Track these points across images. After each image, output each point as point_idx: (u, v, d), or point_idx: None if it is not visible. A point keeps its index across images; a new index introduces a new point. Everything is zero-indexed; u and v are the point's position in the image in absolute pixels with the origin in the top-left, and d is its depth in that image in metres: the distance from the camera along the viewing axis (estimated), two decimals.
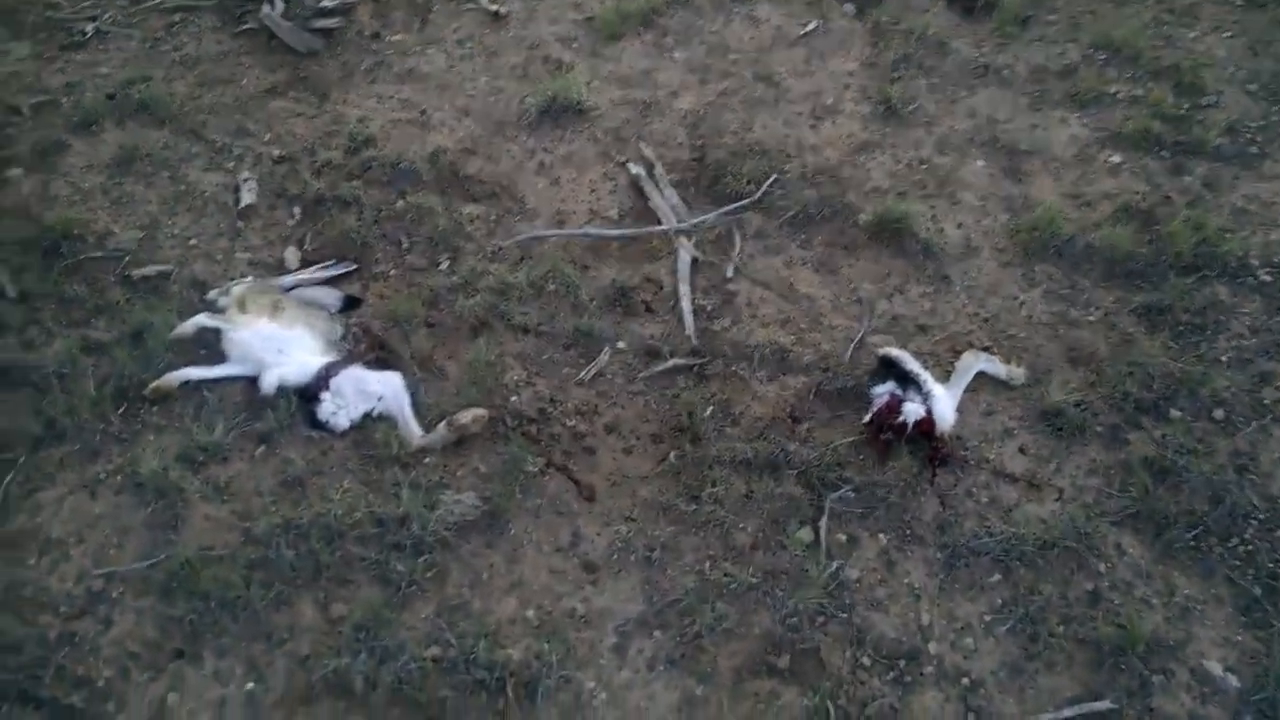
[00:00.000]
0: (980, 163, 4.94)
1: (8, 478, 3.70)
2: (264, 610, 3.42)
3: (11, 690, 3.19)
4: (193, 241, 4.56)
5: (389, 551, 3.56)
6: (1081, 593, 3.49)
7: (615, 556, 3.62)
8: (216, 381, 4.02)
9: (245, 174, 4.82)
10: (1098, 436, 3.91)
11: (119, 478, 3.74)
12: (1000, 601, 3.49)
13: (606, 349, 4.21)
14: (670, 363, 4.17)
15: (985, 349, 4.15)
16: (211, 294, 4.28)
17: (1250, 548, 3.57)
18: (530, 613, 3.48)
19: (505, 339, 4.24)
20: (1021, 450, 3.89)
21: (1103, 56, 5.41)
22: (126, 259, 4.42)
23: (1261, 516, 3.64)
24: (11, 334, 4.04)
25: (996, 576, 3.54)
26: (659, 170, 4.89)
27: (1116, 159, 4.91)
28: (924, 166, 4.93)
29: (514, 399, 4.03)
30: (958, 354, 4.12)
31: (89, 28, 5.52)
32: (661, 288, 4.45)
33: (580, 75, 5.33)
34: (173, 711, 3.21)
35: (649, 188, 4.81)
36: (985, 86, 5.30)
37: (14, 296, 4.19)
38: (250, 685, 3.28)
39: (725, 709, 3.25)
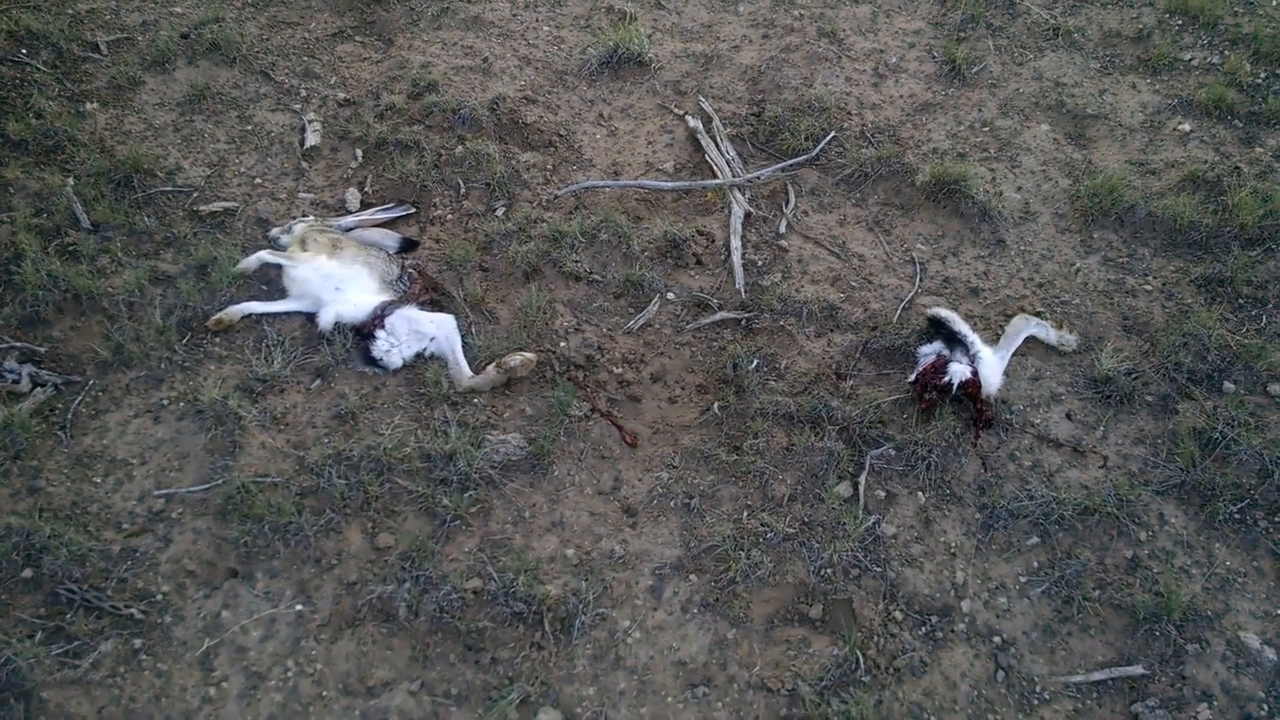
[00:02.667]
0: (1044, 127, 4.87)
1: (77, 399, 3.86)
2: (314, 536, 3.54)
3: (77, 599, 3.35)
4: (258, 180, 4.67)
5: (435, 486, 3.65)
6: (1120, 559, 3.49)
7: (655, 502, 3.68)
8: (276, 316, 4.14)
9: (311, 116, 4.92)
10: (1147, 405, 3.87)
11: (181, 404, 3.87)
12: (1036, 564, 3.49)
13: (656, 299, 4.25)
14: (718, 315, 4.20)
15: (1037, 313, 4.12)
16: (274, 231, 4.39)
17: None
18: (570, 551, 3.56)
19: (556, 286, 4.30)
20: (1068, 416, 3.87)
21: (1179, 22, 5.28)
22: (194, 194, 4.55)
23: None
24: (85, 262, 4.19)
25: (1034, 539, 3.55)
26: (716, 124, 4.89)
27: (1186, 127, 4.80)
28: (986, 129, 4.87)
29: (563, 345, 4.10)
30: (1009, 318, 4.10)
31: None
32: (713, 241, 4.47)
33: (642, 27, 5.33)
34: (226, 627, 3.35)
35: (706, 141, 4.82)
36: (1054, 49, 5.21)
37: (88, 226, 4.34)
38: (299, 606, 3.41)
39: (756, 653, 3.31)
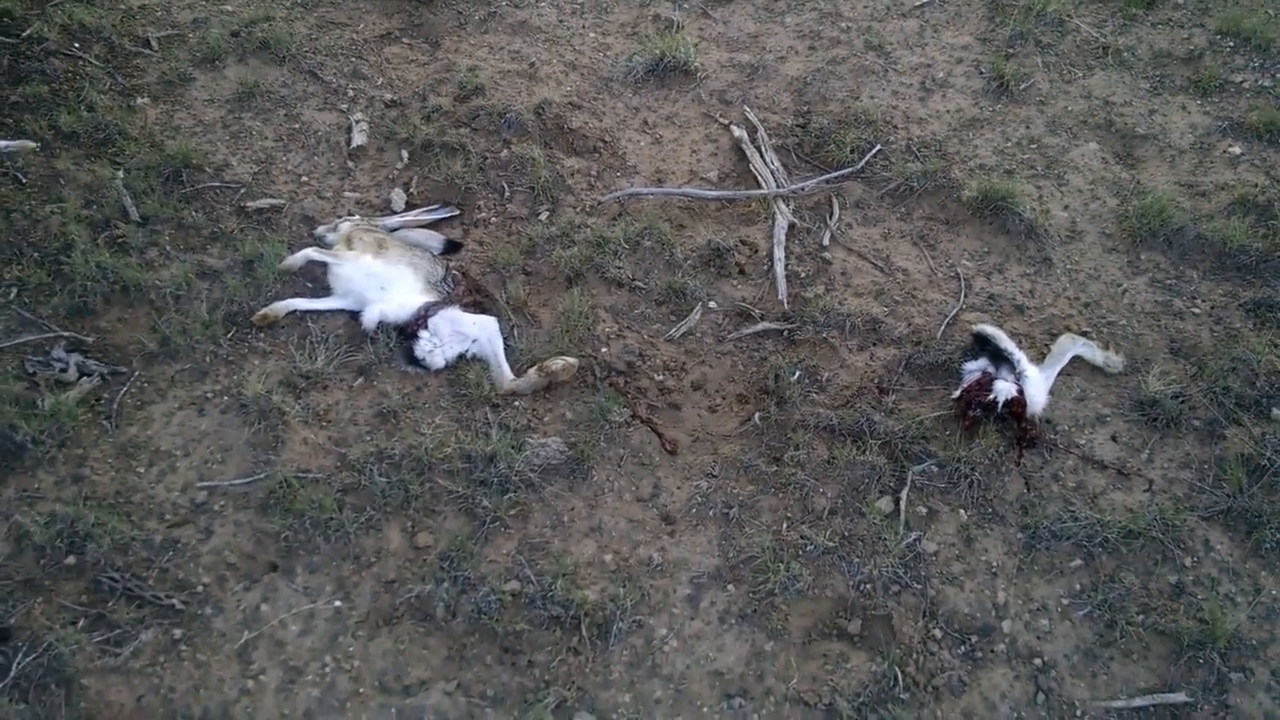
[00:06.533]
0: (1092, 145, 4.83)
1: (123, 389, 3.89)
2: (354, 533, 3.55)
3: (119, 587, 3.38)
4: (305, 178, 4.71)
5: (476, 487, 3.66)
6: (1164, 584, 3.44)
7: (694, 510, 3.67)
8: (321, 313, 4.17)
9: (358, 116, 4.95)
10: (1194, 430, 3.83)
11: (225, 398, 3.90)
12: (1079, 586, 3.46)
13: (698, 307, 4.25)
14: (760, 325, 4.19)
15: (1083, 333, 4.08)
16: (320, 229, 4.41)
17: None
18: (608, 557, 3.55)
19: (599, 291, 4.30)
20: (1113, 438, 3.83)
21: (1230, 44, 5.23)
22: (242, 190, 4.59)
23: None
24: (133, 254, 4.23)
25: (1077, 561, 3.51)
26: (761, 134, 4.89)
27: (1237, 150, 4.75)
28: (1033, 146, 4.84)
29: (604, 350, 4.10)
30: (1054, 336, 4.07)
31: None
32: (756, 251, 4.47)
33: (689, 36, 5.34)
34: (265, 620, 3.37)
35: (750, 151, 4.81)
36: (1104, 68, 5.17)
37: (137, 219, 4.38)
38: (338, 603, 3.42)
39: (793, 666, 3.29)
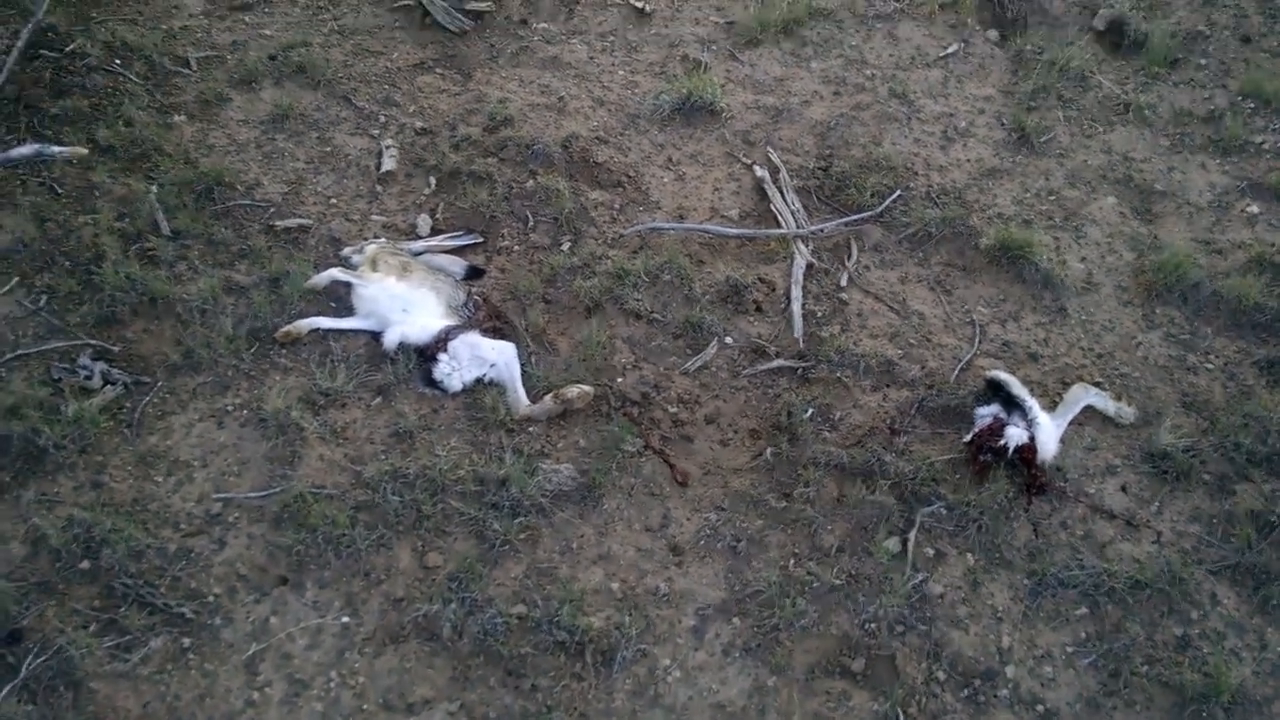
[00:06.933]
0: (1111, 199, 4.88)
1: (145, 399, 3.95)
2: (365, 550, 3.59)
3: (131, 594, 3.42)
4: (333, 200, 4.79)
5: (487, 510, 3.70)
6: (1170, 636, 3.44)
7: (702, 542, 3.70)
8: (343, 332, 4.23)
9: (388, 142, 5.05)
10: (1204, 484, 3.84)
11: (245, 411, 3.96)
12: (1084, 635, 3.46)
13: (714, 342, 4.29)
14: (775, 362, 4.23)
15: (1096, 384, 4.11)
16: (346, 250, 4.49)
17: None
18: (615, 585, 3.58)
19: (617, 322, 4.35)
20: (1123, 489, 3.85)
21: (1251, 105, 5.29)
22: (271, 210, 4.67)
23: None
24: (163, 267, 4.31)
25: (1083, 610, 3.51)
26: (784, 175, 4.96)
27: (1255, 209, 4.80)
28: (1052, 197, 4.89)
29: (620, 380, 4.14)
30: (1067, 386, 4.09)
31: None
32: (774, 289, 4.52)
33: (716, 77, 5.43)
34: (273, 633, 3.40)
35: (772, 191, 4.88)
36: (1124, 124, 5.24)
37: (168, 233, 4.46)
38: (346, 618, 3.46)
39: (795, 702, 3.30)
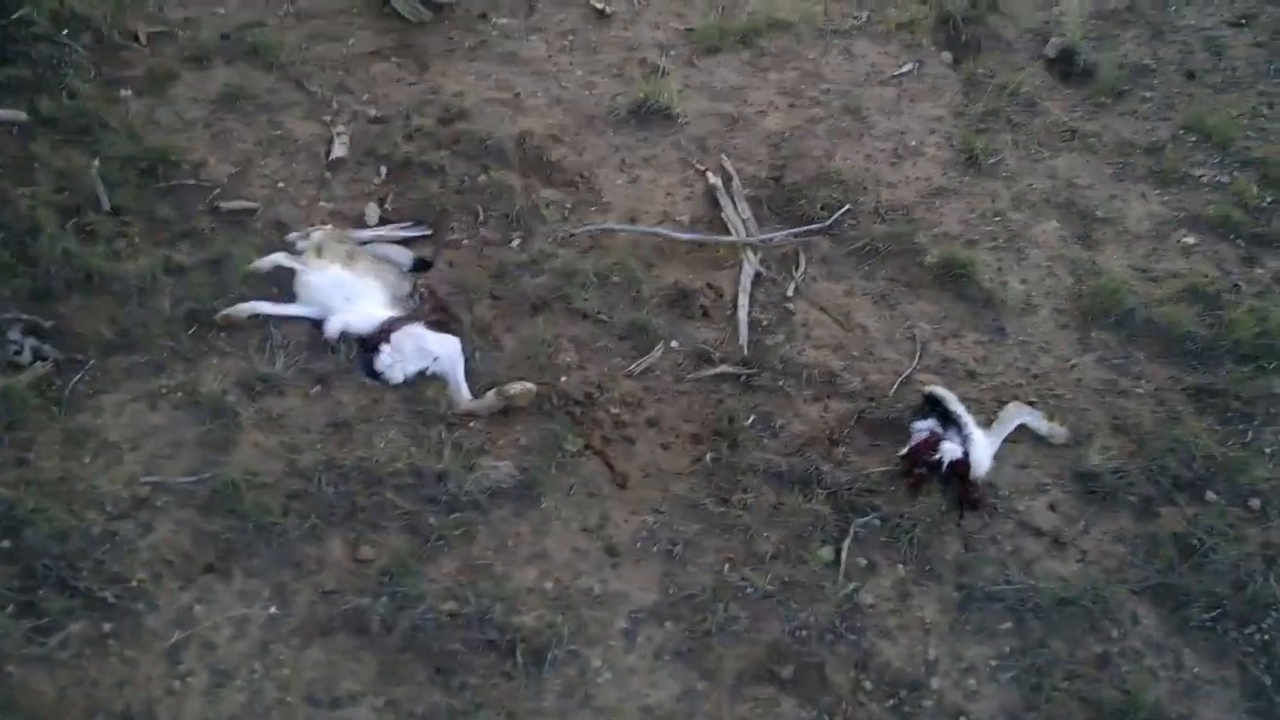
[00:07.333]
0: (1053, 223, 4.98)
1: (76, 377, 3.86)
2: (296, 540, 3.54)
3: (52, 575, 3.33)
4: (281, 184, 4.73)
5: (423, 504, 3.67)
6: (1090, 654, 3.51)
7: (639, 545, 3.70)
8: (284, 319, 4.17)
9: (340, 128, 4.99)
10: (1129, 506, 3.93)
11: (179, 394, 3.88)
12: (1008, 649, 3.52)
13: (660, 346, 4.30)
14: (719, 368, 4.25)
15: (1030, 403, 4.19)
16: (291, 236, 4.43)
17: (1267, 637, 3.56)
18: (549, 585, 3.57)
19: (563, 321, 4.35)
20: (1051, 507, 3.92)
21: (1192, 139, 5.42)
22: (217, 191, 4.60)
23: None
24: (101, 243, 4.22)
25: (1008, 624, 3.57)
26: (736, 183, 4.99)
27: (1191, 240, 4.92)
28: (996, 219, 4.98)
29: (563, 379, 4.13)
30: (1003, 404, 4.16)
31: None
32: (721, 295, 4.54)
33: (673, 82, 5.44)
34: (197, 621, 3.34)
35: (724, 199, 4.91)
36: (1070, 150, 5.35)
37: (108, 209, 4.37)
38: (273, 609, 3.40)
39: (724, 707, 3.32)
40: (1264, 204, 5.05)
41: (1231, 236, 4.92)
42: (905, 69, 5.72)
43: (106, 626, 3.28)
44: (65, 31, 5.07)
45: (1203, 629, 3.58)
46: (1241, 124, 5.45)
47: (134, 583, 3.40)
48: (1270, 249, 4.87)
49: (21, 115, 4.50)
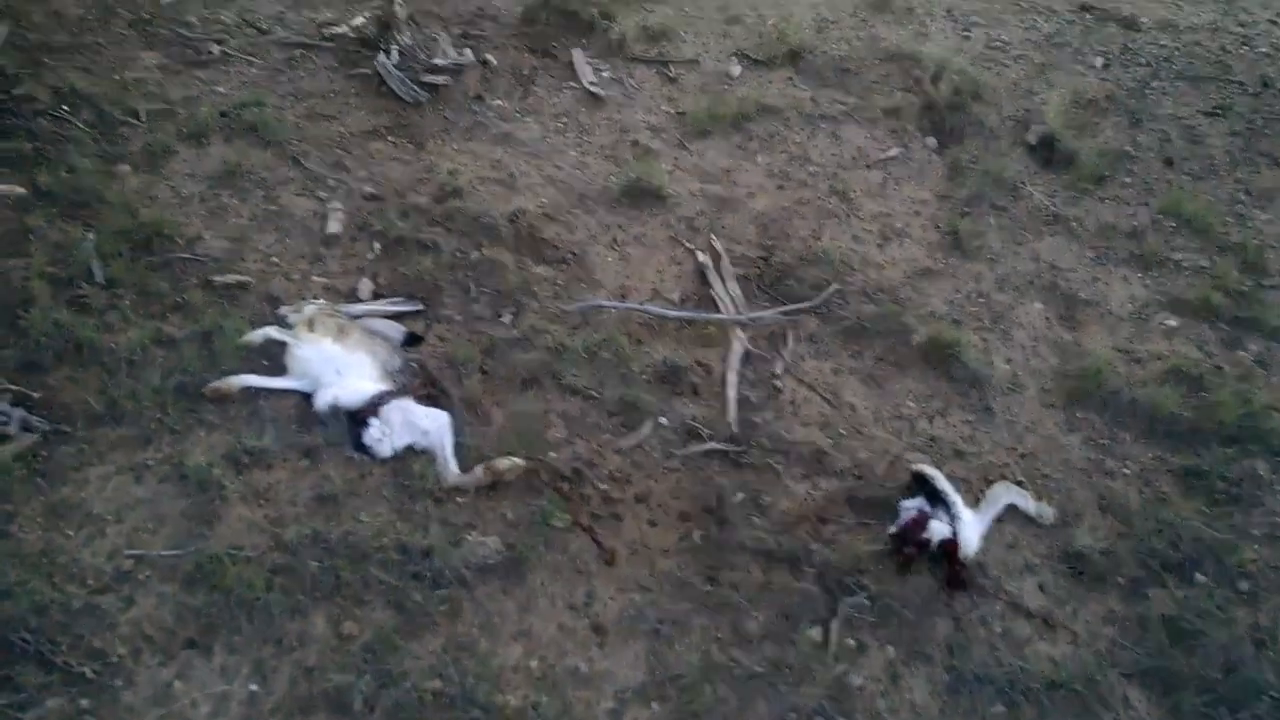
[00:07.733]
0: (1038, 305, 5.06)
1: (61, 448, 3.84)
2: (279, 616, 3.49)
3: (30, 649, 3.27)
4: (275, 259, 4.77)
5: (408, 580, 3.63)
6: None
7: (625, 623, 3.66)
8: (274, 392, 4.16)
9: (335, 204, 5.06)
10: (1119, 587, 3.92)
11: (166, 467, 3.86)
12: None
13: (649, 422, 4.31)
14: (708, 445, 4.26)
15: (1018, 483, 4.20)
16: (284, 309, 4.45)
17: None
18: (534, 663, 3.52)
19: (553, 397, 4.36)
20: (1041, 588, 3.91)
21: (1172, 224, 5.55)
22: (211, 264, 4.63)
23: (1275, 694, 3.61)
24: (94, 315, 4.23)
25: (999, 707, 3.54)
26: (725, 263, 5.06)
27: (1173, 323, 5.00)
28: (982, 300, 5.05)
29: (552, 455, 4.13)
30: (990, 483, 4.18)
31: (215, 49, 5.86)
32: (710, 373, 4.57)
33: (664, 164, 5.56)
34: (176, 698, 3.27)
35: (713, 277, 4.97)
36: (1052, 234, 5.46)
37: (101, 281, 4.39)
38: (253, 686, 3.34)
39: None
40: (1244, 288, 5.14)
41: (1213, 320, 5.01)
42: (891, 153, 5.86)
43: (84, 703, 3.21)
44: (66, 108, 5.16)
45: (1197, 713, 3.56)
46: (1220, 210, 5.59)
47: (114, 658, 3.33)
48: (1251, 332, 4.95)
49: (20, 189, 4.56)
